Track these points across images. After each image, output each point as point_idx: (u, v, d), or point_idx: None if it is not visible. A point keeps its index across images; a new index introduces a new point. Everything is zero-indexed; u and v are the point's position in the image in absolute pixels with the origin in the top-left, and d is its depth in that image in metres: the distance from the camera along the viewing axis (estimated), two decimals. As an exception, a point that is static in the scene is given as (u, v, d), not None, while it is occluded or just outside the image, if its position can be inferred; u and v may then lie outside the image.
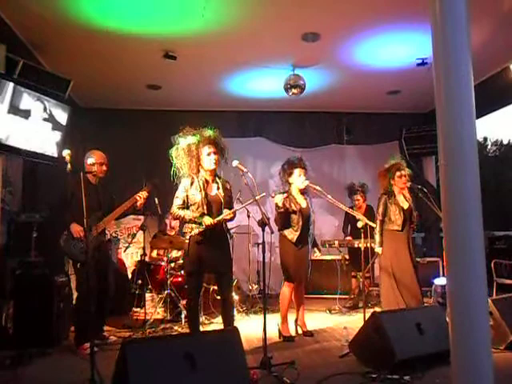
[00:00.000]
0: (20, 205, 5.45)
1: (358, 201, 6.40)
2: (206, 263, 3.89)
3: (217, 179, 4.09)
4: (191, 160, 3.96)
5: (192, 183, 3.96)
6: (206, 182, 4.01)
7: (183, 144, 3.98)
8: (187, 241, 3.92)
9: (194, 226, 3.90)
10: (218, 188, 4.05)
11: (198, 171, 4.00)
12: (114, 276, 4.71)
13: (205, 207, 3.90)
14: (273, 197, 4.66)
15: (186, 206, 3.96)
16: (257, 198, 3.78)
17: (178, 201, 3.97)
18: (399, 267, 4.74)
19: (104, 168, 4.40)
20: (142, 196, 4.37)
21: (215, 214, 3.93)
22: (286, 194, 4.60)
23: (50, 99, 5.16)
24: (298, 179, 4.63)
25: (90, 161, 4.13)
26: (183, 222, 4.02)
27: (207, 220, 3.84)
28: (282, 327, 4.60)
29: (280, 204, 4.50)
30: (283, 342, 4.47)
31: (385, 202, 4.92)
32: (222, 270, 3.99)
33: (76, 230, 4.11)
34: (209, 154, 3.95)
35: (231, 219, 4.10)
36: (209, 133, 4.02)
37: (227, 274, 4.05)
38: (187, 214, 3.91)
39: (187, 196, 3.95)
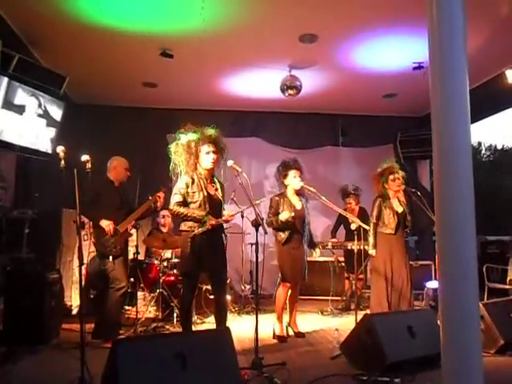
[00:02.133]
0: (12, 200, 5.42)
1: (350, 204, 6.38)
2: (203, 263, 3.88)
3: (214, 179, 4.08)
4: (189, 157, 3.93)
5: (193, 181, 3.93)
6: (206, 180, 4.00)
7: (183, 140, 3.96)
8: (189, 240, 3.83)
9: (195, 224, 3.85)
10: (217, 189, 4.05)
11: (196, 169, 3.98)
12: None
13: (207, 206, 3.88)
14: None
15: (185, 203, 3.91)
16: (257, 202, 3.78)
17: (177, 197, 3.90)
18: (392, 270, 4.75)
19: (128, 173, 4.66)
20: (161, 196, 4.53)
21: (215, 213, 3.93)
22: (292, 213, 4.57)
23: (45, 95, 5.14)
24: (293, 180, 4.64)
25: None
26: (183, 219, 3.92)
27: (212, 220, 3.83)
28: (276, 327, 4.61)
29: (284, 220, 4.50)
30: (276, 342, 4.48)
31: (379, 205, 4.93)
32: (217, 270, 3.97)
33: (106, 224, 4.25)
34: (208, 153, 3.93)
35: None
36: (210, 132, 4.00)
37: (222, 274, 4.03)
38: (190, 211, 3.84)
39: (187, 193, 3.90)
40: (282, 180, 4.72)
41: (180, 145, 3.96)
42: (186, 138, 3.96)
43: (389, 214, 4.86)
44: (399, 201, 4.97)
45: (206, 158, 3.94)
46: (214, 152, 3.94)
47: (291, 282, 4.63)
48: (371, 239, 4.88)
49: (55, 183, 4.25)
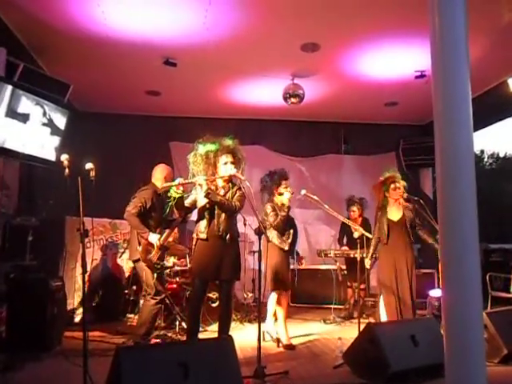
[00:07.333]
0: (16, 208, 5.43)
1: (354, 212, 6.36)
2: (210, 270, 3.89)
3: (230, 185, 4.09)
4: (208, 167, 4.00)
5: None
6: (216, 187, 4.03)
7: (202, 150, 4.02)
8: (194, 245, 4.00)
9: (203, 230, 3.92)
10: (225, 194, 4.04)
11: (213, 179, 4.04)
12: None
13: (208, 211, 3.94)
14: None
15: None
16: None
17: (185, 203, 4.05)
18: (395, 280, 4.71)
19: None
20: None
21: (218, 217, 3.93)
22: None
23: (49, 103, 5.15)
24: (285, 191, 4.66)
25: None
26: (187, 211, 4.08)
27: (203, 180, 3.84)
28: (277, 330, 4.63)
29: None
30: (278, 351, 4.46)
31: (379, 219, 4.90)
32: (225, 278, 3.96)
33: (156, 239, 4.20)
34: (225, 164, 3.98)
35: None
36: (228, 142, 4.06)
37: (230, 281, 4.02)
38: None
39: (195, 200, 3.99)
40: (274, 188, 4.72)
41: (198, 155, 4.01)
42: (205, 148, 4.01)
43: (382, 225, 4.80)
44: (398, 208, 4.91)
45: (224, 168, 3.99)
46: (231, 163, 3.99)
47: (287, 288, 4.70)
48: (371, 250, 4.87)
49: (59, 191, 4.27)
